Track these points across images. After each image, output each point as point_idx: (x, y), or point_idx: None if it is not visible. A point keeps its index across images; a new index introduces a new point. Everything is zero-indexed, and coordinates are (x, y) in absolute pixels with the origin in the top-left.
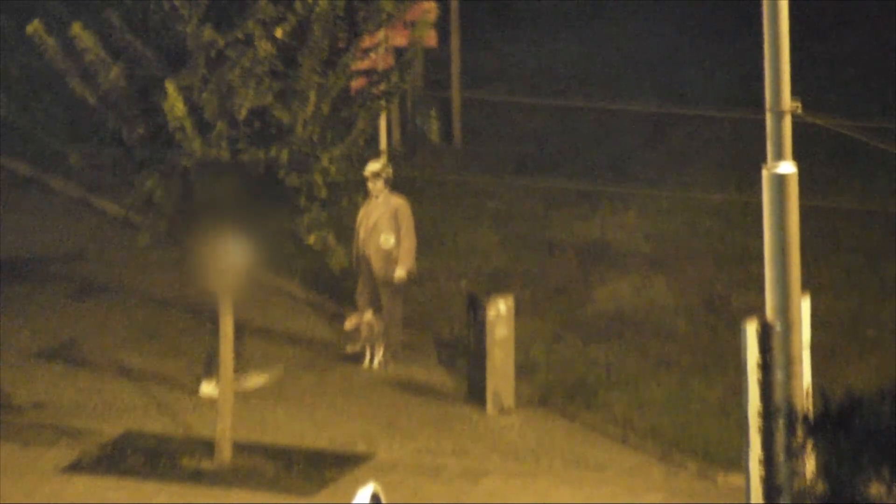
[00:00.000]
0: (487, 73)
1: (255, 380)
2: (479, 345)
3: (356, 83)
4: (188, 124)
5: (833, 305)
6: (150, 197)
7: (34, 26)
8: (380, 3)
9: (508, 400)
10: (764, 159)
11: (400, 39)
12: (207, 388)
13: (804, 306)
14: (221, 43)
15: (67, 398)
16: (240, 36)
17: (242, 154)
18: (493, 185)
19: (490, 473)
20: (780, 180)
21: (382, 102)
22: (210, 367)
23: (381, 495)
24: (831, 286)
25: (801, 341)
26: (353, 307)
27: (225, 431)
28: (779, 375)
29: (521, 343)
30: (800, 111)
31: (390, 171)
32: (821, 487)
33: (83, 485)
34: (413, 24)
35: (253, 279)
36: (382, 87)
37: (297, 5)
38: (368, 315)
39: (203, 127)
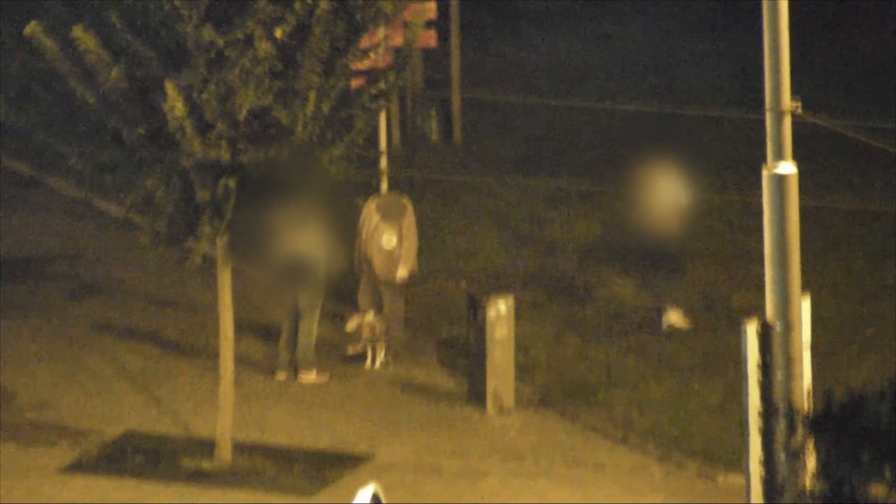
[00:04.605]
0: (487, 73)
1: (679, 320)
2: (479, 345)
3: (355, 83)
4: (188, 124)
5: (833, 305)
6: (150, 197)
7: (32, 28)
8: (378, 4)
9: (508, 400)
10: (764, 159)
11: (399, 39)
12: (675, 317)
13: (804, 306)
14: (221, 43)
15: (67, 398)
16: (240, 36)
17: (242, 154)
18: (493, 185)
19: (490, 473)
20: (780, 180)
21: (381, 102)
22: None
23: (381, 495)
24: (831, 286)
25: (801, 341)
26: (354, 308)
27: (225, 431)
28: (779, 375)
29: (521, 343)
30: (800, 111)
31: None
32: (821, 487)
33: (83, 485)
34: (408, 24)
35: (253, 279)
36: (380, 86)
37: (297, 6)
38: (370, 316)
39: (203, 127)
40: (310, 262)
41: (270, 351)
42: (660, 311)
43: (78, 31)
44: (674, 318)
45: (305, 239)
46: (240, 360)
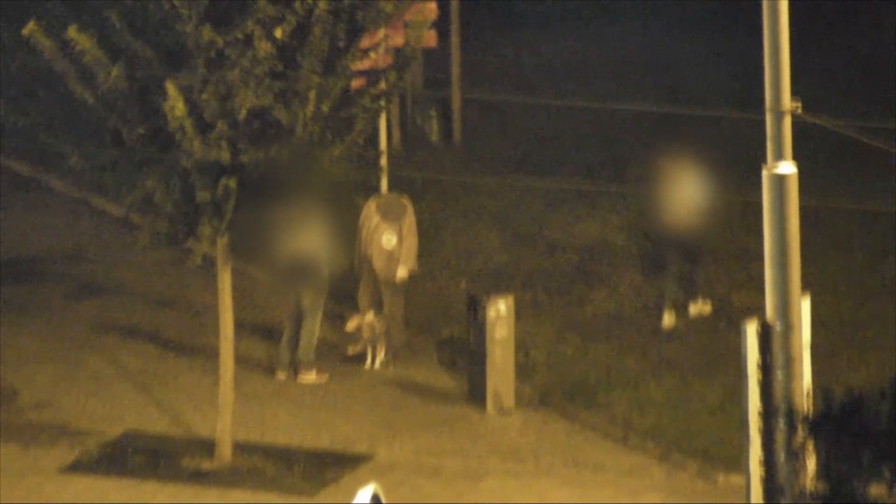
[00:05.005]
0: (487, 73)
1: (703, 308)
2: (479, 345)
3: (356, 83)
4: (188, 124)
5: (833, 305)
6: (150, 197)
7: (30, 28)
8: (379, 4)
9: (508, 400)
10: (764, 159)
11: (399, 39)
12: (694, 309)
13: (804, 306)
14: (221, 43)
15: (67, 398)
16: (239, 36)
17: (242, 154)
18: (493, 185)
19: (490, 474)
20: (780, 180)
21: (382, 102)
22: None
23: (381, 495)
24: (831, 286)
25: (801, 341)
26: (355, 308)
27: (225, 431)
28: (779, 375)
29: (521, 343)
30: (800, 111)
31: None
32: (821, 487)
33: (83, 485)
34: (409, 24)
35: (253, 279)
36: (381, 86)
37: (297, 5)
38: (370, 316)
39: (203, 127)
40: (313, 263)
41: (270, 351)
42: (662, 307)
43: (73, 32)
44: (693, 309)
45: (308, 239)
46: (240, 360)
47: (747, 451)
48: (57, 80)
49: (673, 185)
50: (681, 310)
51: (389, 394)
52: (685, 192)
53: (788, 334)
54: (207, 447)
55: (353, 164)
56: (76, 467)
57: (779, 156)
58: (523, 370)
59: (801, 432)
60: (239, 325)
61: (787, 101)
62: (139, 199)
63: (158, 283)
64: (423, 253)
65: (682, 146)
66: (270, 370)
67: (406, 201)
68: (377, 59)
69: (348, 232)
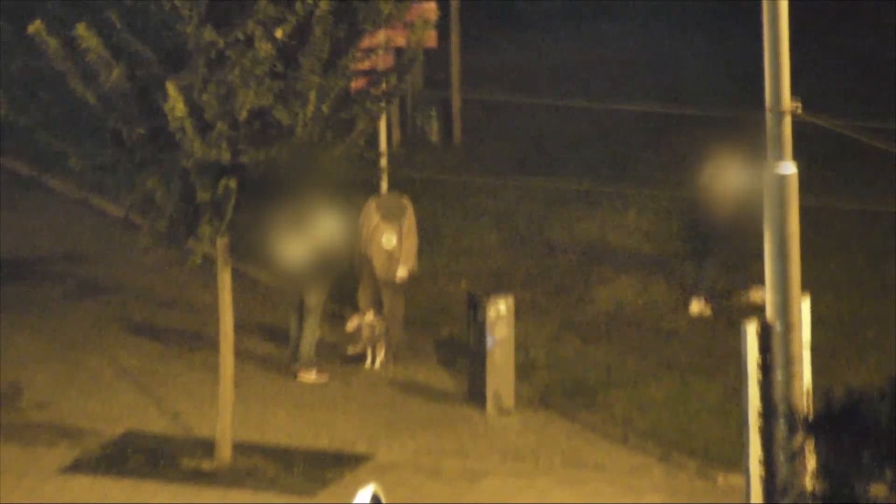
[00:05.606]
0: (487, 73)
1: (705, 308)
2: (479, 345)
3: (356, 84)
4: (189, 125)
5: (833, 305)
6: (150, 197)
7: (36, 26)
8: (378, 4)
9: (508, 400)
10: (764, 159)
11: (400, 40)
12: (695, 308)
13: (804, 306)
14: (222, 43)
15: (67, 398)
16: (240, 36)
17: (243, 155)
18: (493, 185)
19: (490, 473)
20: (780, 180)
21: (382, 103)
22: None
23: (381, 495)
24: (831, 286)
25: (801, 341)
26: (355, 308)
27: (225, 431)
28: (779, 375)
29: (521, 343)
30: (800, 111)
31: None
32: (821, 487)
33: (83, 485)
34: (412, 25)
35: (253, 279)
36: (382, 87)
37: (298, 6)
38: (370, 316)
39: (203, 127)
40: (319, 262)
41: (271, 351)
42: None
43: (81, 30)
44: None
45: (314, 238)
46: (240, 360)
47: (747, 451)
48: (57, 79)
49: (711, 179)
50: (683, 306)
51: (389, 394)
52: (720, 188)
53: (788, 334)
54: (207, 447)
55: (353, 165)
56: (76, 467)
57: (779, 156)
58: (523, 370)
59: (800, 432)
60: (239, 325)
61: (787, 101)
62: (139, 199)
63: (158, 283)
64: (423, 253)
65: (679, 145)
66: (270, 370)
67: (406, 201)
68: (378, 60)
69: (349, 232)
